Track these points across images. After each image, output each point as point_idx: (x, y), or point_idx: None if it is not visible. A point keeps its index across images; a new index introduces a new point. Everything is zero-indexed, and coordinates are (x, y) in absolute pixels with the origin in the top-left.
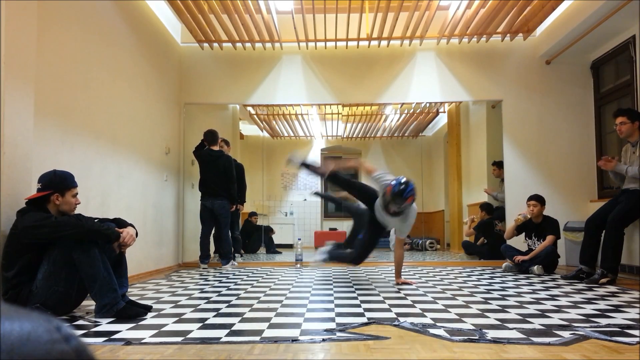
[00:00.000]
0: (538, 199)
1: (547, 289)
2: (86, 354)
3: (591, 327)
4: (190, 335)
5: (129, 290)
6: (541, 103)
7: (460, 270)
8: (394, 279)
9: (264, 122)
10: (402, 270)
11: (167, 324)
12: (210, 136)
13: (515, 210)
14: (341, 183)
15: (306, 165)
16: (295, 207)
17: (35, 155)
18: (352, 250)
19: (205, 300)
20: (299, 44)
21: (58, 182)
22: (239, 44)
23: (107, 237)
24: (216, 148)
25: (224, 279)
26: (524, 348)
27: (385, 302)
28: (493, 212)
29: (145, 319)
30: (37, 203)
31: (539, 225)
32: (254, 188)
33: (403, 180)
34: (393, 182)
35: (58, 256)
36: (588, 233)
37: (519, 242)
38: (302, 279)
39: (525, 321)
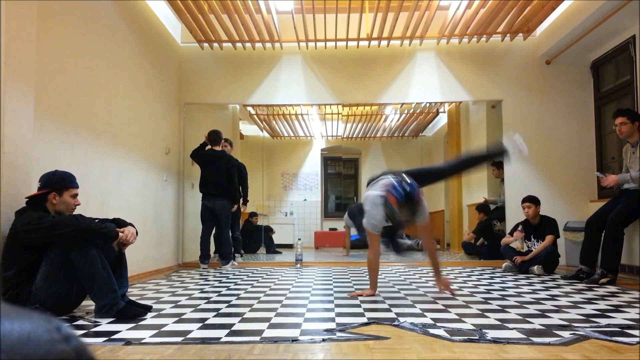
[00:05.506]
0: (532, 200)
1: (547, 289)
2: (86, 354)
3: (591, 327)
4: (190, 335)
5: (129, 290)
6: (541, 103)
7: (460, 270)
8: (393, 279)
9: (264, 122)
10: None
11: (167, 324)
12: (214, 136)
13: (516, 210)
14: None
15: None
16: (295, 207)
17: (35, 155)
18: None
19: (205, 300)
20: (299, 44)
21: (56, 182)
22: (239, 44)
23: (104, 236)
24: (218, 148)
25: (224, 279)
26: (524, 348)
27: (385, 302)
28: (490, 212)
29: (145, 319)
30: (37, 202)
31: (537, 226)
32: (254, 188)
33: (397, 180)
34: (392, 191)
35: (55, 257)
36: (588, 233)
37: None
38: (302, 279)
39: (525, 321)
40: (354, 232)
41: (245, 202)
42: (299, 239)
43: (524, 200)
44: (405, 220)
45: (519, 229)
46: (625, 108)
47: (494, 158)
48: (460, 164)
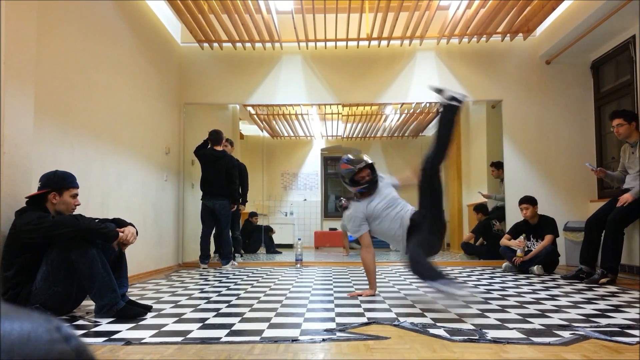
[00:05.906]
0: (529, 201)
1: (547, 289)
2: (86, 354)
3: (591, 327)
4: (190, 335)
5: (129, 290)
6: (541, 103)
7: (460, 270)
8: (393, 279)
9: (264, 122)
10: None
11: (167, 324)
12: (215, 136)
13: (515, 211)
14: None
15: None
16: (295, 207)
17: (35, 155)
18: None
19: (205, 300)
20: (299, 44)
21: (56, 181)
22: (239, 44)
23: (104, 236)
24: (220, 148)
25: (224, 279)
26: (524, 348)
27: (385, 302)
28: (489, 212)
29: (145, 319)
30: (37, 202)
31: (536, 226)
32: (254, 188)
33: (345, 156)
34: (341, 162)
35: (55, 257)
36: (588, 233)
37: None
38: (302, 279)
39: (525, 321)
40: None
41: (244, 202)
42: (299, 239)
43: (521, 201)
44: (365, 164)
45: (521, 238)
46: (621, 109)
47: (451, 119)
48: (436, 150)
